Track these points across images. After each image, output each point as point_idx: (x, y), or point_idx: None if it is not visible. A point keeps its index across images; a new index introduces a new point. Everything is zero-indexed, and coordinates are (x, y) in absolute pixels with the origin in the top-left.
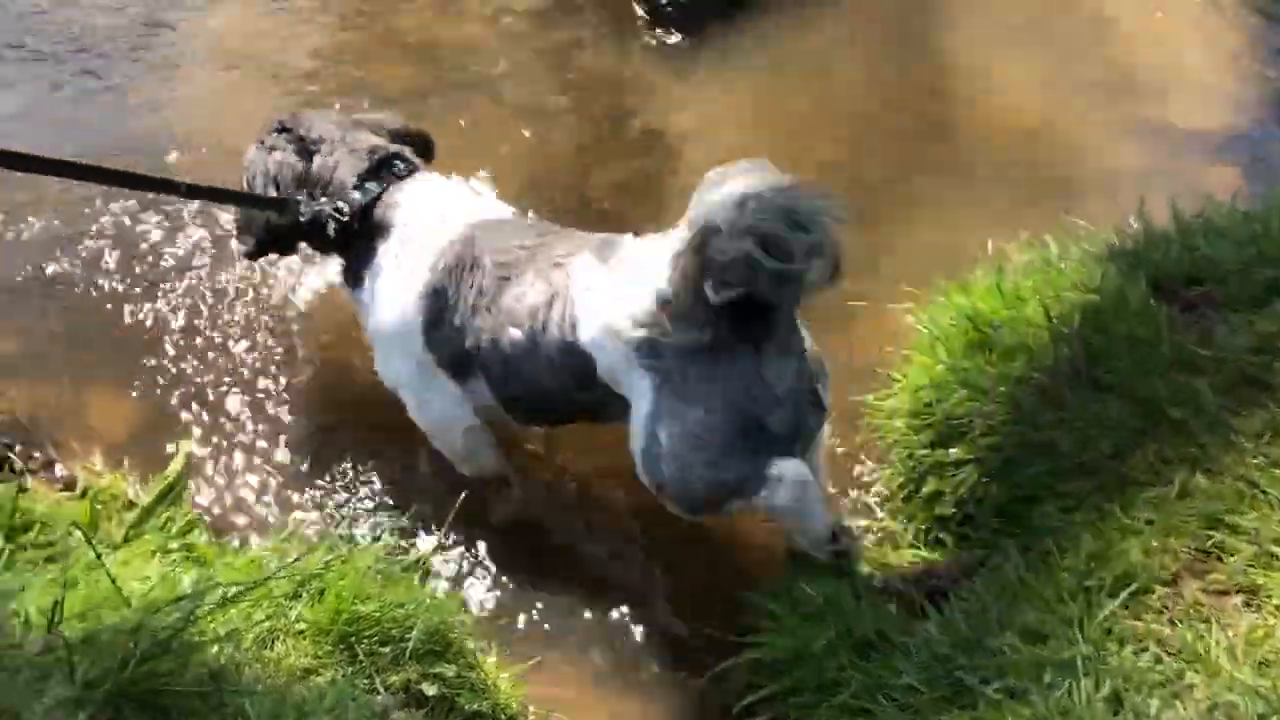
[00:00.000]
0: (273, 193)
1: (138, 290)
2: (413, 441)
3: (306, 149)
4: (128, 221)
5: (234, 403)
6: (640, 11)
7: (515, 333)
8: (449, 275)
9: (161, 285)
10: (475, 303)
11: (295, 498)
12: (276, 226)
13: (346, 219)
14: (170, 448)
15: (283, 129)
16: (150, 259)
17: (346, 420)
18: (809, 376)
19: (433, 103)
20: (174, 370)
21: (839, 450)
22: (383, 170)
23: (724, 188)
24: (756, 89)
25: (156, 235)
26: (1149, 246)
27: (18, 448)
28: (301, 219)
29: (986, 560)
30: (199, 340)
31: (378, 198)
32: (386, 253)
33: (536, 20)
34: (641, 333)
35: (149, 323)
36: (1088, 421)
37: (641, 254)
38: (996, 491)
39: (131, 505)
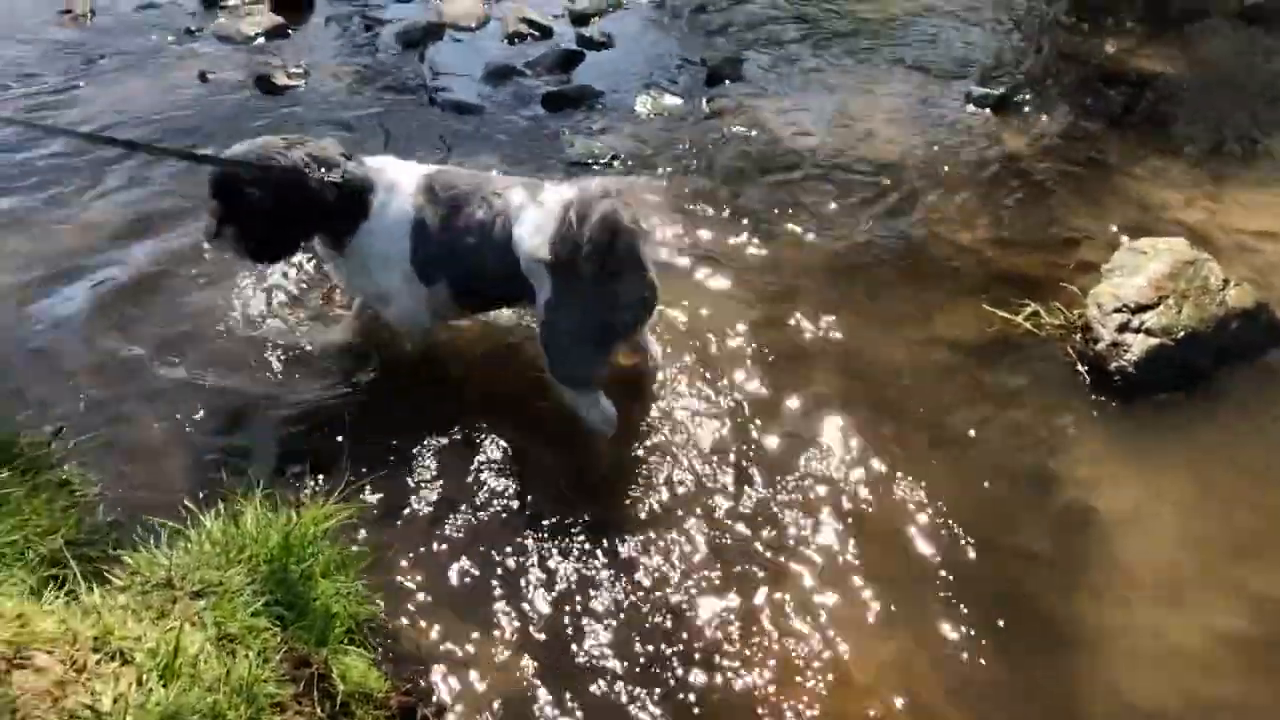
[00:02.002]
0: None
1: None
2: None
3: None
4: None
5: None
6: (1083, 371)
7: (469, 240)
8: (421, 210)
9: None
10: (439, 224)
11: None
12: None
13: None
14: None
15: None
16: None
17: None
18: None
19: (852, 412)
20: (568, 643)
21: None
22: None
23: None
24: (1201, 481)
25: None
26: None
27: (422, 684)
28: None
29: None
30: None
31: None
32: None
33: (971, 356)
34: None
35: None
36: None
37: (554, 201)
38: None
39: None
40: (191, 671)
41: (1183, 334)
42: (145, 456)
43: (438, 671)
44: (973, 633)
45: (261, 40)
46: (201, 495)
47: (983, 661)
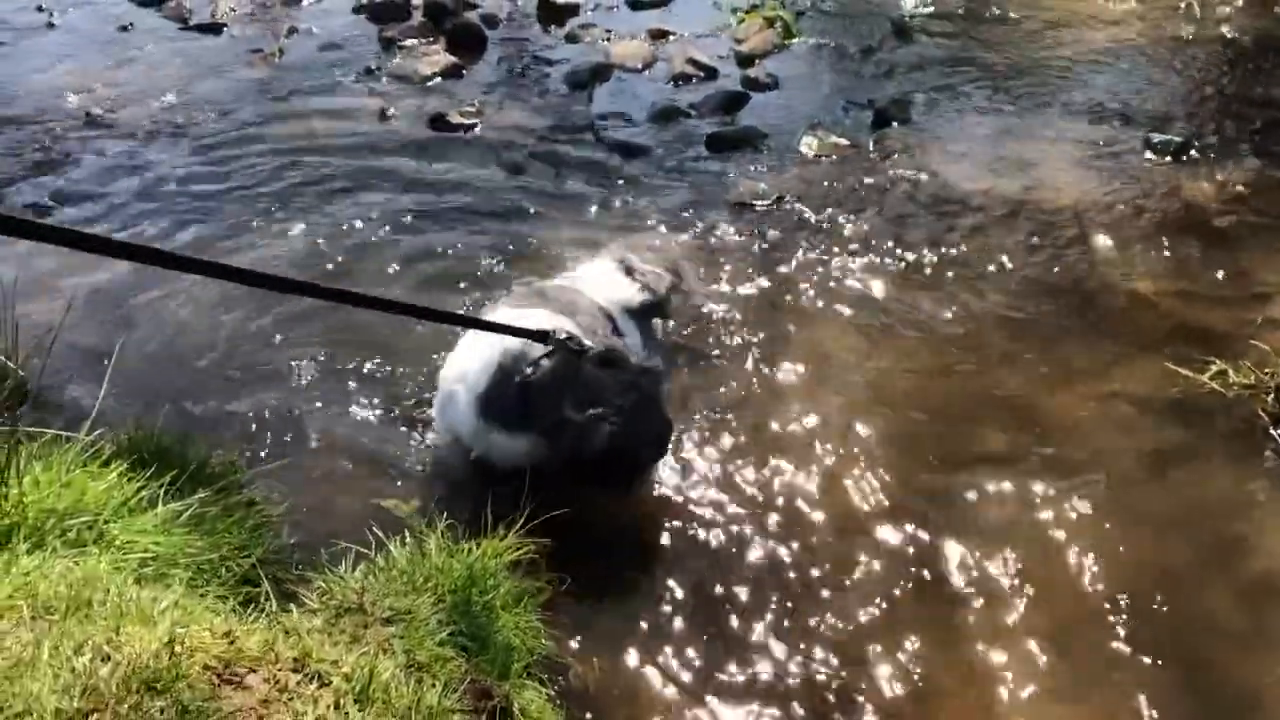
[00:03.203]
0: None
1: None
2: None
3: None
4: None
5: None
6: (1273, 435)
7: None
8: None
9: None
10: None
11: None
12: None
13: None
14: None
15: None
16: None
17: None
18: None
19: (1025, 469)
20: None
21: None
22: None
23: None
24: None
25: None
26: None
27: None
28: None
29: None
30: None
31: None
32: None
33: (1153, 413)
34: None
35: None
36: None
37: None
38: None
39: None
40: (385, 697)
41: None
42: (324, 482)
43: (607, 711)
44: (1155, 707)
45: (437, 80)
46: (380, 523)
47: None
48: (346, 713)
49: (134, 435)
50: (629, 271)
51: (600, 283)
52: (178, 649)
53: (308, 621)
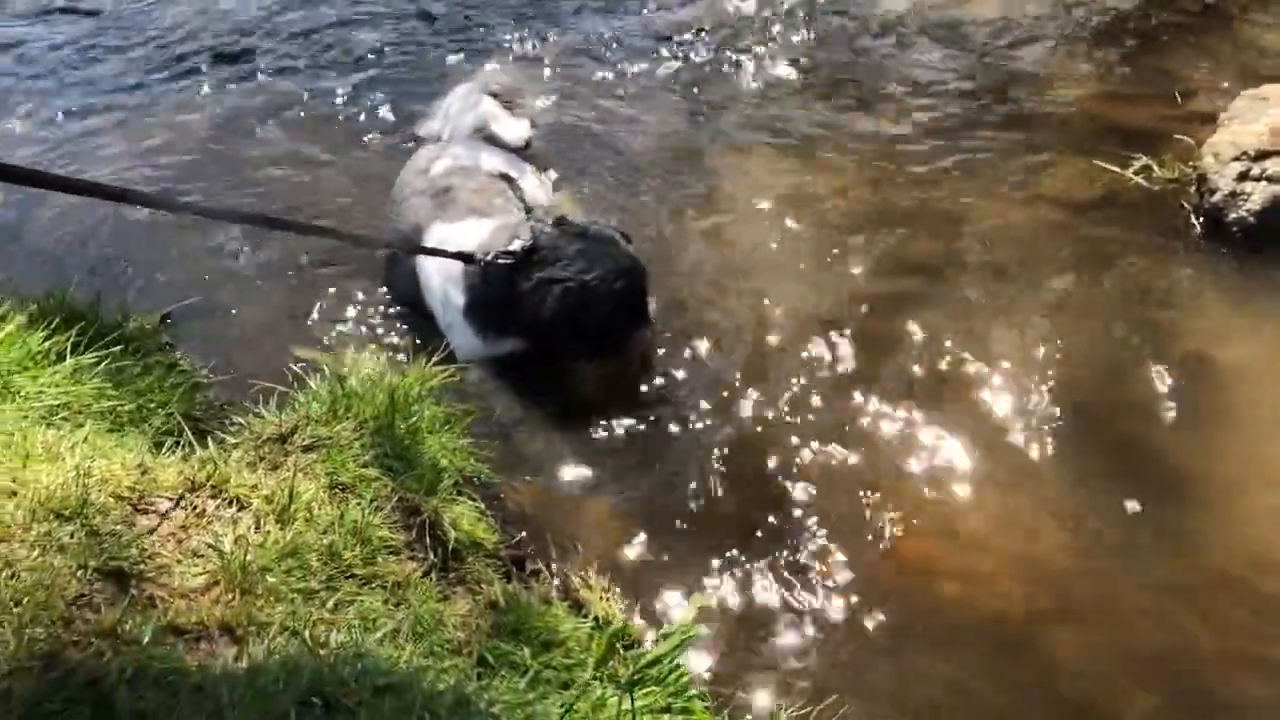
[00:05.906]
0: None
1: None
2: None
3: None
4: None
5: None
6: (1198, 224)
7: None
8: None
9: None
10: None
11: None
12: None
13: None
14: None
15: None
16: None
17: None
18: None
19: (951, 275)
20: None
21: None
22: None
23: None
24: None
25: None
26: None
27: (530, 547)
28: None
29: None
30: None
31: None
32: None
33: (1079, 212)
34: None
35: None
36: None
37: None
38: None
39: (635, 641)
40: (307, 515)
41: None
42: (250, 342)
43: (542, 528)
44: (1094, 484)
45: None
46: (303, 369)
47: (1104, 512)
48: (268, 531)
49: (43, 301)
50: (508, 103)
51: (493, 129)
52: (87, 481)
53: (226, 454)
